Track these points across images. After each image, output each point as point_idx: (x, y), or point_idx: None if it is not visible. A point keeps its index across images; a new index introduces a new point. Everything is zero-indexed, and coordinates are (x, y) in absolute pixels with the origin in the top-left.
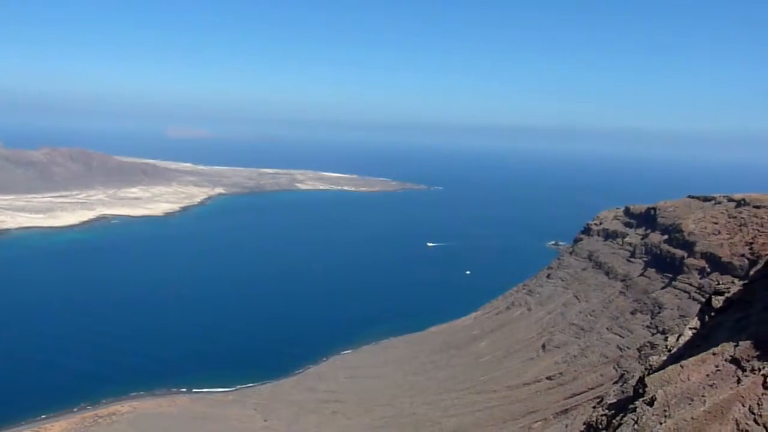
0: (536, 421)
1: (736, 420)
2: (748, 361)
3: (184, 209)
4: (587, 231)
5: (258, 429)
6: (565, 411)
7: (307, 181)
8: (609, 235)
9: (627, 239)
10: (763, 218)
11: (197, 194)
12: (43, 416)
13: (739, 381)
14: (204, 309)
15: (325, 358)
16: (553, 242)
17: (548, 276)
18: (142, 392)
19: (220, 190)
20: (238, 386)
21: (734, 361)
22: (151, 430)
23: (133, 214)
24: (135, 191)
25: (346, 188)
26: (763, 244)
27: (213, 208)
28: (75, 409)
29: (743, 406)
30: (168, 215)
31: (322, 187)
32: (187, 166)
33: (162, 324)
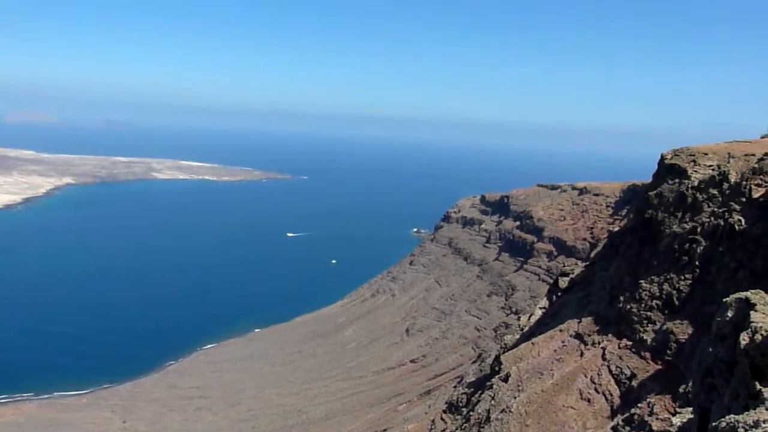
0: (401, 404)
1: (580, 390)
2: (589, 335)
3: (27, 201)
4: (447, 218)
5: (116, 431)
6: (429, 392)
7: (165, 170)
8: (467, 222)
9: (483, 226)
10: (601, 205)
11: (42, 184)
12: None
13: (582, 354)
14: (50, 308)
15: (187, 354)
16: (415, 230)
17: (411, 263)
18: None
19: (68, 180)
20: (93, 388)
21: (578, 336)
22: None
23: None
24: None
25: (207, 178)
26: (602, 228)
27: (61, 199)
28: None
29: (585, 377)
30: (8, 207)
31: (181, 177)
32: (30, 153)
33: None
